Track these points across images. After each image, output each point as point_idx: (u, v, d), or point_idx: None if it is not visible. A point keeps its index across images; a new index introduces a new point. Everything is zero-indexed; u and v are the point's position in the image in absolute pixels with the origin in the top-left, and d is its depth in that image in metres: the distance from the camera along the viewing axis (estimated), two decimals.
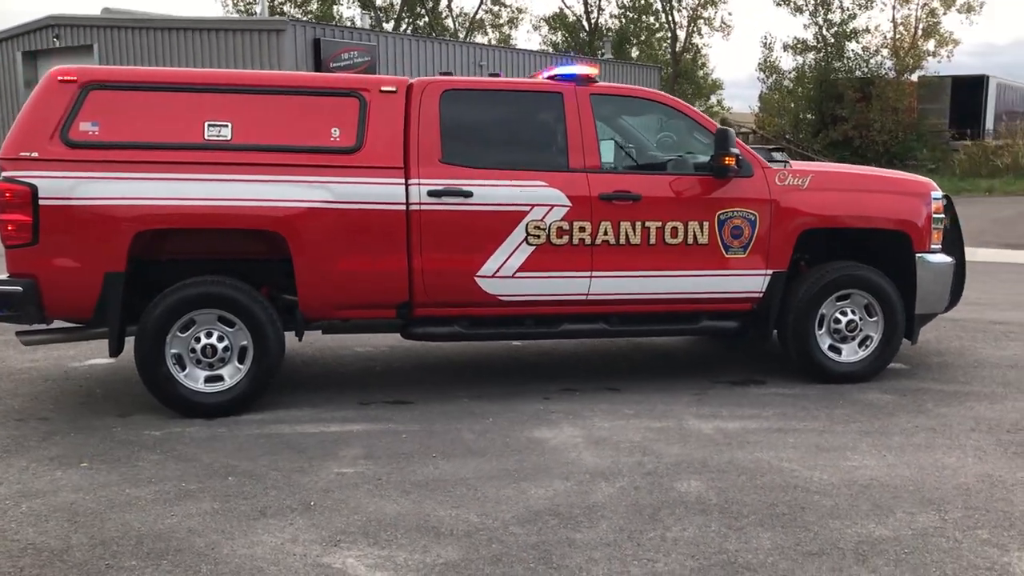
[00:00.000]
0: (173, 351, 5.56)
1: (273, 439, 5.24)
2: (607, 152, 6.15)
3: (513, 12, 55.68)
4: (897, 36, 43.15)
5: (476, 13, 53.55)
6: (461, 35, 50.78)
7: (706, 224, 6.10)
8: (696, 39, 50.44)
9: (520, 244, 5.87)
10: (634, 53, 49.71)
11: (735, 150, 5.94)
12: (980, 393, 6.20)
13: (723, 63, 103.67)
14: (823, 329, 6.40)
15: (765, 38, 64.57)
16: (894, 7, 43.33)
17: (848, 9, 41.94)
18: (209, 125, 5.56)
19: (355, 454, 4.99)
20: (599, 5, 50.84)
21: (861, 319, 6.43)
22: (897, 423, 5.54)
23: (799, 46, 43.15)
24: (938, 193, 6.59)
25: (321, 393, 6.18)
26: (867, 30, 42.20)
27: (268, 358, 5.63)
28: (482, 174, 5.85)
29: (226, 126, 5.58)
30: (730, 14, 73.05)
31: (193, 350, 5.59)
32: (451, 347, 7.42)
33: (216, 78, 5.85)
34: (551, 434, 5.33)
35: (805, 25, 40.58)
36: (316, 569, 3.64)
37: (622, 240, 6.00)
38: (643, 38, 50.49)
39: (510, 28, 55.59)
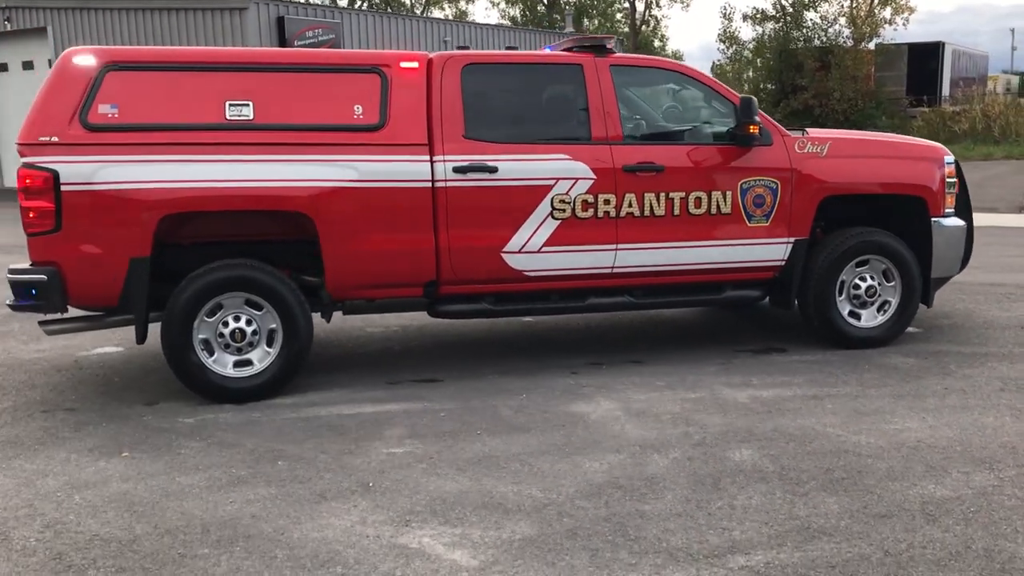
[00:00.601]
0: (201, 336, 5.47)
1: (311, 422, 5.18)
2: (628, 123, 6.12)
3: None
4: (854, 5, 43.51)
5: None
6: (418, 10, 50.28)
7: (729, 193, 6.12)
8: (655, 11, 50.41)
9: (546, 218, 5.84)
10: (593, 25, 49.56)
11: (758, 119, 5.95)
12: (998, 354, 6.31)
13: (682, 34, 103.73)
14: (843, 295, 6.46)
15: (724, 8, 64.52)
16: None
17: None
18: (230, 105, 5.45)
19: (399, 434, 4.96)
20: None
21: (880, 284, 6.50)
22: (927, 386, 5.62)
23: (758, 16, 43.37)
24: (950, 158, 6.67)
25: (346, 374, 6.13)
26: (823, 16, 42.49)
27: (298, 341, 5.56)
28: (506, 149, 5.80)
29: (247, 105, 5.47)
30: None
31: (221, 335, 5.50)
32: (468, 324, 7.40)
33: (236, 56, 5.74)
34: (589, 408, 5.33)
35: (774, 4, 40.89)
36: (394, 550, 3.61)
37: (646, 212, 5.99)
38: (601, 9, 50.29)
39: (467, 3, 55.25)
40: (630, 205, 5.96)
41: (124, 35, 23.80)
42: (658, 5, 51.01)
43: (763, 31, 43.31)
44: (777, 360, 6.32)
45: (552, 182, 5.83)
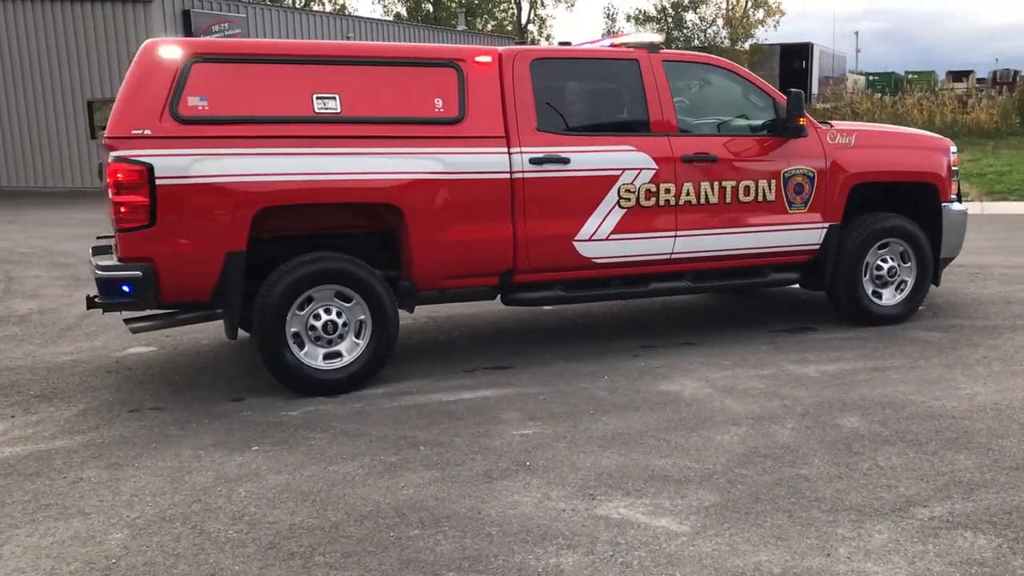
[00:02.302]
0: (292, 329, 5.46)
1: (420, 409, 5.26)
2: (681, 115, 6.41)
3: None
4: (730, 7, 45.41)
5: None
6: (299, 4, 49.41)
7: (773, 182, 6.50)
8: (541, 10, 51.14)
9: (613, 207, 6.07)
10: (479, 24, 49.87)
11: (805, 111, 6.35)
12: (1007, 326, 6.91)
13: (568, 34, 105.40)
14: (867, 276, 6.94)
15: (608, 9, 66.17)
16: None
17: None
18: (317, 97, 5.46)
19: (516, 417, 5.10)
20: None
21: (898, 265, 7.01)
22: (966, 356, 6.13)
23: (641, 16, 44.75)
24: (954, 148, 7.25)
25: (417, 364, 6.19)
26: (704, 1, 44.24)
27: (386, 332, 5.62)
28: (576, 140, 6.01)
29: (334, 98, 5.49)
30: None
31: (312, 327, 5.50)
32: (509, 313, 7.56)
33: (321, 49, 5.74)
34: (676, 387, 5.60)
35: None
36: (599, 520, 3.78)
37: (702, 200, 6.31)
38: (487, 8, 50.66)
39: None
40: (688, 194, 6.25)
41: (21, 27, 22.66)
42: (543, 5, 51.72)
43: (644, 31, 44.64)
44: (816, 338, 6.73)
45: (619, 172, 6.06)
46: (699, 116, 6.70)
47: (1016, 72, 54.94)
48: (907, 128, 8.44)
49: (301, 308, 5.48)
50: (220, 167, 5.19)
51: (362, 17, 34.24)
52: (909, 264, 7.05)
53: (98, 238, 6.69)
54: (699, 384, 5.63)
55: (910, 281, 7.06)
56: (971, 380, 5.59)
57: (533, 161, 5.84)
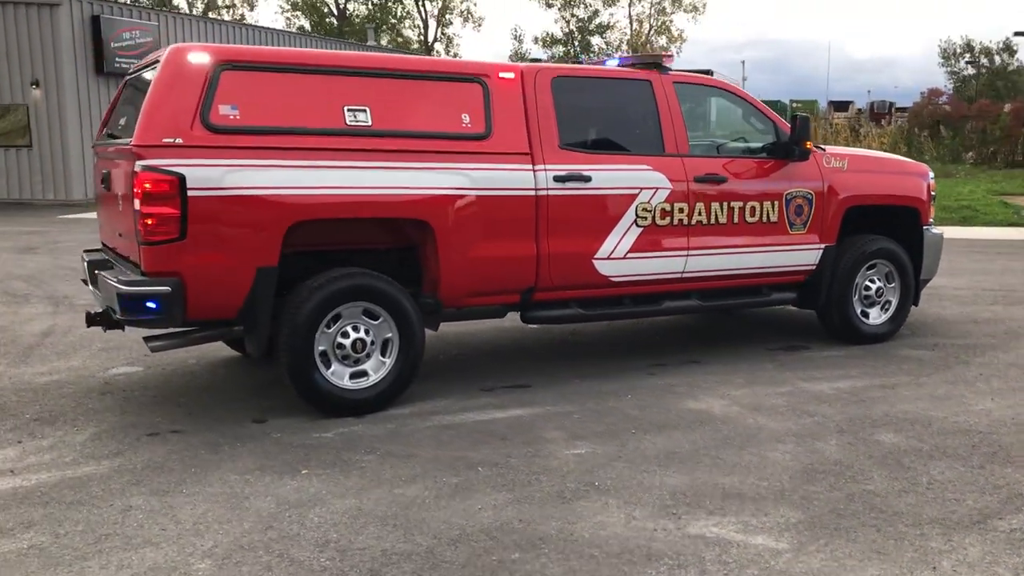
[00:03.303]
0: (320, 348, 5.28)
1: (457, 429, 5.16)
2: (691, 136, 6.49)
3: None
4: (634, 31, 46.46)
5: None
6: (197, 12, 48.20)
7: (776, 203, 6.65)
8: (448, 29, 51.24)
9: (630, 226, 6.10)
10: (384, 40, 49.61)
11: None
12: (987, 344, 7.23)
13: (475, 54, 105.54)
14: (856, 296, 7.16)
15: (515, 30, 66.49)
16: (630, 4, 46.67)
17: (591, 5, 44.67)
18: (348, 110, 5.32)
19: (559, 436, 5.05)
20: None
21: (884, 286, 7.26)
22: (962, 373, 6.37)
23: (548, 39, 45.33)
24: (932, 174, 7.57)
25: (430, 382, 6.03)
26: (610, 26, 45.15)
27: (413, 350, 5.49)
28: (596, 159, 6.02)
29: (364, 111, 5.36)
30: (475, 4, 74.01)
31: (340, 345, 5.33)
32: (506, 329, 7.50)
33: (352, 60, 5.57)
34: (703, 405, 5.64)
35: (555, 20, 42.54)
36: (696, 540, 3.76)
37: (712, 220, 6.40)
38: (392, 24, 50.47)
39: (244, 7, 53.57)
40: (699, 213, 6.34)
41: None
42: (450, 23, 51.79)
43: (553, 53, 45.30)
44: (813, 356, 6.90)
45: (637, 191, 6.10)
46: (705, 137, 6.81)
47: (892, 104, 58.14)
48: (887, 154, 8.75)
49: (328, 326, 5.30)
50: (254, 179, 4.99)
51: (280, 30, 33.66)
52: (893, 285, 7.30)
53: (86, 252, 6.36)
54: (724, 402, 5.68)
55: (894, 301, 7.32)
56: (978, 396, 5.81)
57: (557, 179, 5.82)
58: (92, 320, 5.64)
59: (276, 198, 5.03)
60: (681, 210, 6.26)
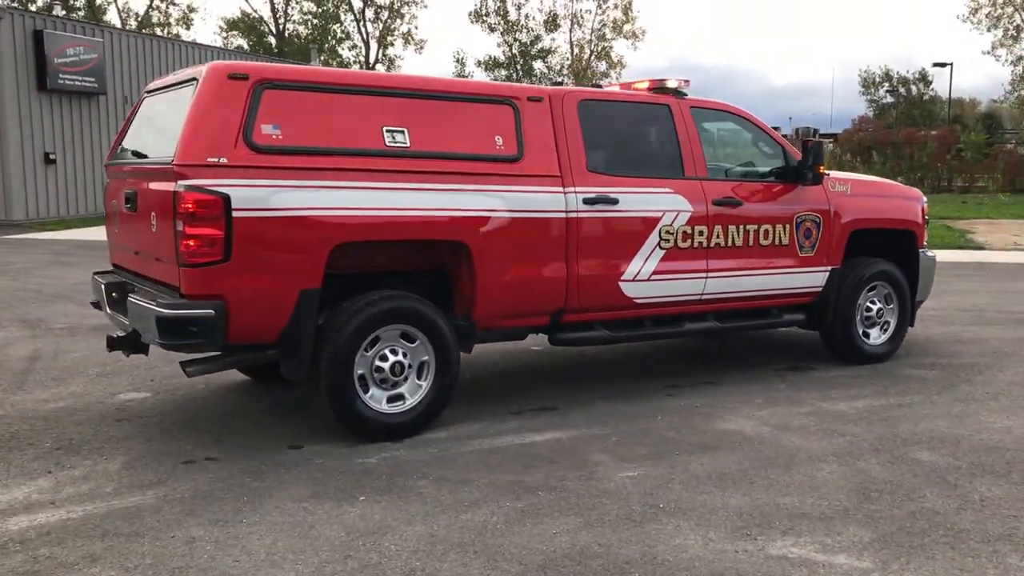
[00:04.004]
0: (359, 371, 5.20)
1: (502, 453, 5.12)
2: (708, 160, 6.58)
3: (184, 11, 52.96)
4: (575, 57, 46.97)
5: (148, 10, 50.23)
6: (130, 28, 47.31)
7: (787, 227, 6.77)
8: (390, 50, 51.16)
9: (654, 248, 6.15)
10: (321, 61, 49.31)
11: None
12: (983, 364, 7.43)
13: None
14: (858, 317, 7.32)
15: (457, 53, 66.50)
16: (571, 29, 47.17)
17: (534, 30, 45.02)
18: (387, 130, 5.27)
19: (606, 459, 5.04)
20: (286, 10, 49.85)
21: (884, 307, 7.43)
22: (969, 392, 6.53)
23: (490, 63, 45.53)
24: (924, 198, 7.80)
25: (454, 406, 5.95)
26: (552, 51, 45.57)
27: (449, 373, 5.44)
28: (622, 181, 6.06)
29: (403, 132, 5.32)
30: (416, 28, 73.95)
31: (379, 369, 5.26)
32: (521, 352, 7.47)
33: (389, 81, 5.53)
34: (733, 426, 5.69)
35: (498, 44, 42.84)
36: (784, 561, 3.78)
37: (729, 242, 6.49)
38: (331, 46, 50.20)
39: (180, 26, 52.77)
40: (717, 236, 6.42)
41: None
42: (391, 44, 51.70)
43: (495, 77, 45.52)
44: (821, 376, 7.01)
45: (660, 214, 6.16)
46: (720, 161, 6.90)
47: (816, 130, 59.77)
48: (882, 179, 8.97)
49: (367, 349, 5.22)
50: (298, 199, 4.91)
51: (223, 48, 33.18)
52: (892, 306, 7.48)
53: (97, 274, 6.17)
54: (752, 423, 5.74)
55: (893, 322, 7.49)
56: (993, 414, 5.97)
57: (586, 201, 5.85)
58: (114, 344, 5.45)
59: (321, 219, 4.95)
60: (701, 233, 6.33)
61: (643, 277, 6.11)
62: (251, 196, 4.78)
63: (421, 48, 49.77)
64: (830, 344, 7.36)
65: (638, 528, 4.09)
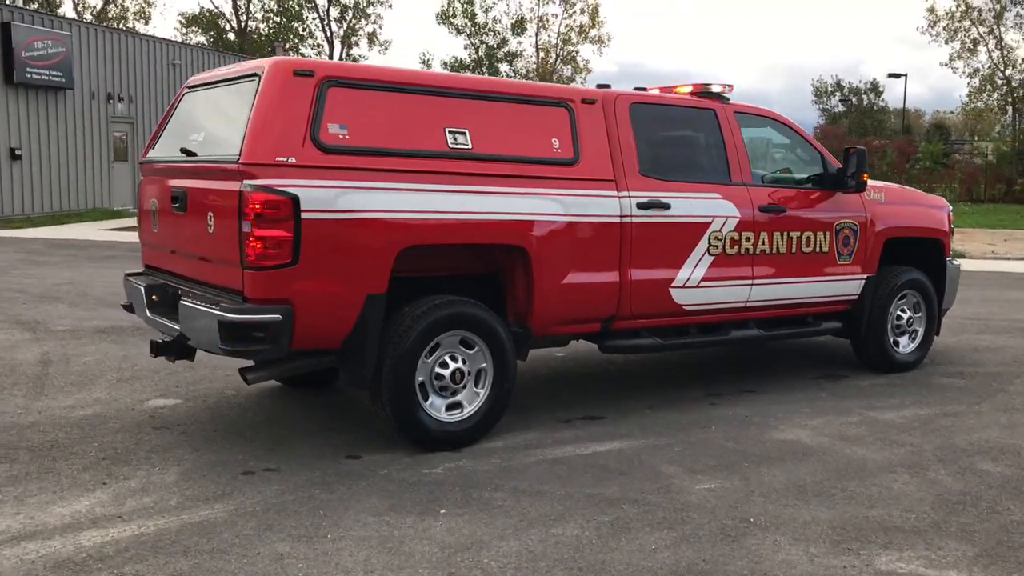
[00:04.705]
0: (419, 379, 5.04)
1: (569, 464, 4.99)
2: (753, 166, 6.52)
3: (142, 4, 51.99)
4: (541, 60, 46.96)
5: (105, 3, 49.20)
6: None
7: (828, 234, 6.74)
8: (354, 50, 50.68)
9: (704, 254, 6.07)
10: None
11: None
12: (1007, 373, 7.46)
13: None
14: (889, 325, 7.32)
15: (423, 55, 65.92)
16: (536, 33, 47.14)
17: (500, 33, 44.91)
18: (449, 132, 5.13)
19: (676, 470, 4.94)
20: (247, 7, 49.14)
21: (913, 315, 7.44)
22: (1007, 401, 6.56)
23: (456, 65, 45.29)
24: (950, 207, 7.83)
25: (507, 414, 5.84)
26: (518, 55, 45.49)
27: (507, 381, 5.31)
28: (673, 186, 5.97)
29: (464, 133, 5.18)
30: (381, 28, 72.97)
31: (439, 376, 5.10)
32: (549, 358, 7.34)
33: (450, 81, 5.37)
34: (790, 436, 5.62)
35: (464, 46, 42.67)
36: None
37: (774, 249, 6.43)
38: (293, 45, 49.60)
39: (137, 21, 51.79)
40: (763, 243, 6.36)
41: None
42: (356, 44, 51.22)
43: None
44: (858, 384, 6.99)
45: (710, 220, 6.08)
46: (760, 167, 6.85)
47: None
48: (910, 188, 9.00)
49: (427, 356, 5.06)
50: (366, 201, 4.74)
51: (191, 44, 32.58)
52: (920, 314, 7.49)
53: (130, 275, 5.93)
54: (808, 433, 5.68)
55: (921, 330, 7.51)
56: None
57: (640, 205, 5.75)
58: (159, 349, 5.22)
59: (388, 222, 4.79)
60: (748, 239, 6.26)
61: (692, 284, 6.03)
62: (319, 197, 4.60)
63: (386, 49, 49.35)
64: (862, 352, 7.35)
65: (736, 543, 3.99)
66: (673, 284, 5.95)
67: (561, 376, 7.15)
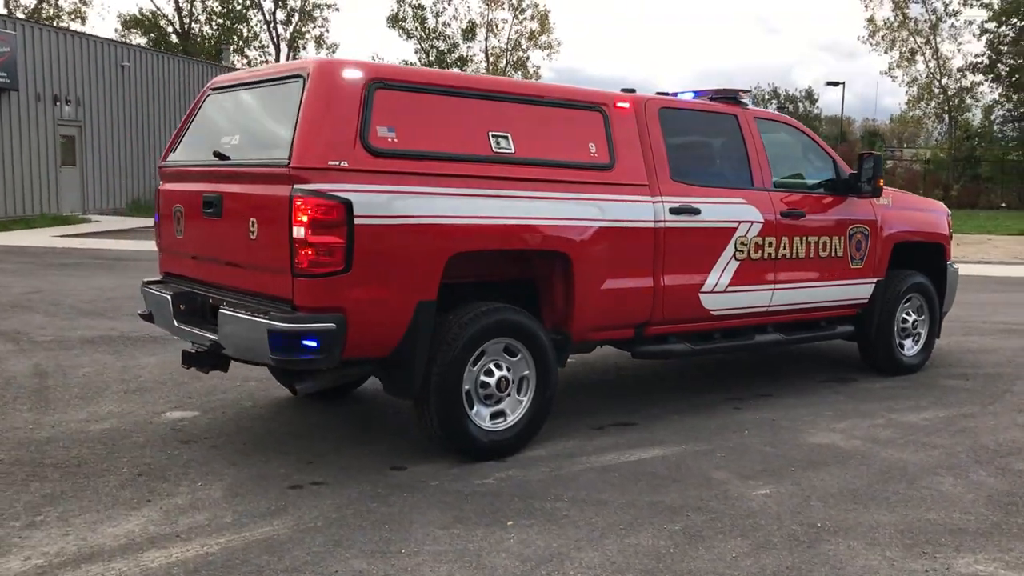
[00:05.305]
0: (465, 387, 4.95)
1: (618, 471, 4.94)
2: (772, 171, 6.55)
3: (76, 4, 50.74)
4: (491, 66, 46.89)
5: (38, 3, 47.91)
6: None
7: (842, 239, 6.81)
8: (301, 54, 50.00)
9: (730, 259, 6.08)
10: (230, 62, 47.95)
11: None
12: (1007, 374, 7.61)
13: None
14: (896, 328, 7.42)
15: (373, 59, 65.44)
16: (486, 38, 47.11)
17: (451, 38, 44.78)
18: (492, 135, 5.05)
19: (725, 476, 4.92)
20: (191, 9, 48.23)
21: (917, 318, 7.55)
22: (1017, 402, 6.66)
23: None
24: (948, 212, 7.97)
25: None
26: (468, 60, 45.36)
27: (549, 388, 5.24)
28: (702, 191, 5.97)
29: (506, 137, 5.11)
30: (328, 31, 72.04)
31: (484, 384, 5.02)
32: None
33: (493, 84, 5.27)
34: (823, 439, 5.65)
35: (415, 51, 42.47)
36: None
37: (793, 254, 6.47)
38: (238, 47, 48.85)
39: (73, 21, 50.51)
40: (784, 247, 6.39)
41: None
42: (303, 48, 50.58)
43: None
44: (868, 387, 7.07)
45: (736, 225, 6.09)
46: (777, 172, 6.87)
47: None
48: (911, 193, 9.12)
49: (473, 364, 4.97)
50: (418, 206, 4.64)
51: (143, 47, 31.83)
52: (923, 317, 7.61)
53: (147, 283, 5.73)
54: (840, 436, 5.71)
55: (923, 333, 7.62)
56: None
57: (673, 211, 5.73)
58: (192, 360, 5.04)
59: (440, 227, 4.69)
60: (770, 244, 6.29)
61: (720, 289, 6.03)
62: (372, 202, 4.48)
63: (333, 52, 48.73)
64: (869, 355, 7.43)
65: (812, 549, 3.98)
66: (702, 289, 5.94)
67: (579, 384, 7.10)
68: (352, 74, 4.62)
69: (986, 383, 7.26)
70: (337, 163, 4.42)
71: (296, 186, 4.37)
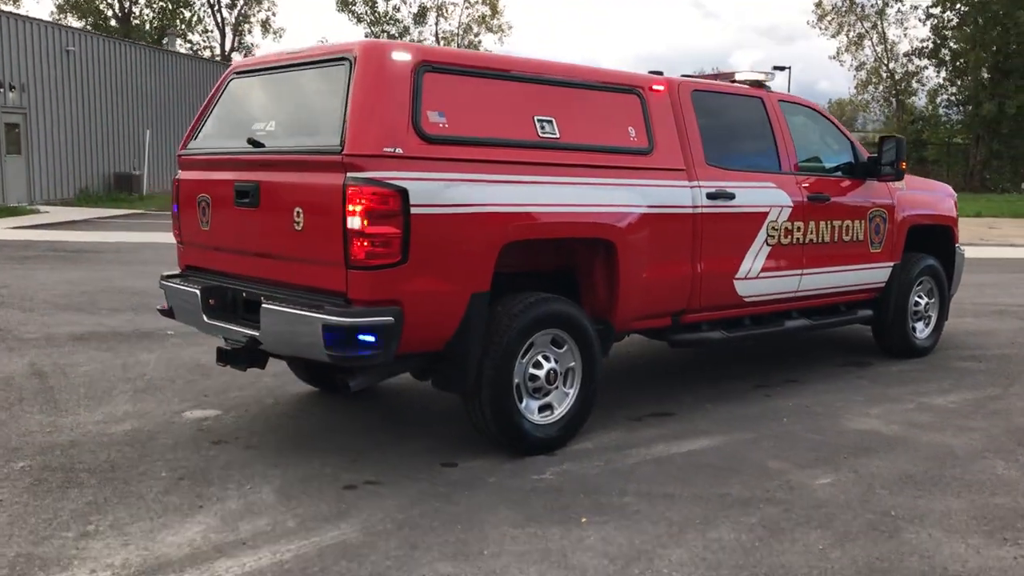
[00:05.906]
0: (515, 380, 4.81)
1: (673, 463, 4.86)
2: (798, 155, 6.48)
3: None
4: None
5: None
6: None
7: (863, 222, 6.78)
8: (248, 38, 49.05)
9: (763, 245, 6.02)
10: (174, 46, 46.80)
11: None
12: (1013, 355, 7.69)
13: None
14: (910, 311, 7.43)
15: (322, 42, 64.34)
16: (436, 22, 46.66)
17: (401, 22, 44.25)
18: (537, 120, 4.90)
19: (784, 466, 4.86)
20: None
21: (928, 301, 7.58)
22: None
23: None
24: (955, 194, 8.01)
25: None
26: (420, 42, 44.85)
27: (594, 380, 5.12)
28: (735, 176, 5.88)
29: (551, 122, 4.96)
30: (274, 15, 70.53)
31: (533, 377, 4.88)
32: None
33: (536, 67, 5.08)
34: (864, 425, 5.62)
35: (365, 35, 41.72)
36: None
37: (820, 238, 6.43)
38: (180, 32, 47.69)
39: (5, 3, 48.89)
40: (811, 232, 6.35)
41: None
42: (249, 32, 49.57)
43: None
44: (886, 371, 7.08)
45: (767, 209, 6.02)
46: (799, 156, 6.81)
47: None
48: (920, 176, 9.13)
49: (522, 356, 4.83)
50: (472, 194, 4.47)
51: (89, 31, 30.84)
52: (934, 300, 7.64)
53: (165, 278, 5.47)
54: (879, 422, 5.69)
55: (934, 316, 7.66)
56: None
57: (709, 196, 5.64)
58: (228, 357, 4.83)
59: (495, 216, 4.54)
60: (799, 228, 6.24)
61: (752, 275, 5.96)
62: (427, 190, 4.31)
63: (280, 36, 47.93)
64: (883, 339, 7.44)
65: (895, 539, 3.93)
66: (736, 275, 5.87)
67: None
68: (401, 56, 4.42)
69: (999, 364, 7.32)
70: (392, 150, 4.23)
71: (350, 174, 4.17)
